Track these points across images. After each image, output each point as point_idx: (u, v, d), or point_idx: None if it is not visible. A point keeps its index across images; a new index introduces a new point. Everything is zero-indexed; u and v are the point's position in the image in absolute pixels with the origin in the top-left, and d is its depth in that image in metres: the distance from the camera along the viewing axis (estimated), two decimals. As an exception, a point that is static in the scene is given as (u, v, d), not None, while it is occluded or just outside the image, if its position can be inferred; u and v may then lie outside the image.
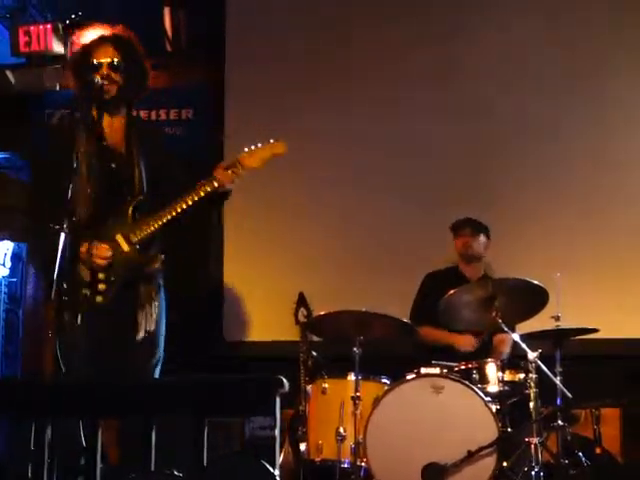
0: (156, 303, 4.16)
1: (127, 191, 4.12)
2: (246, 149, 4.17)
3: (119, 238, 4.07)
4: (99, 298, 4.04)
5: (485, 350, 5.41)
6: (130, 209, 4.11)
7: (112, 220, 4.09)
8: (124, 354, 4.08)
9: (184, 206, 4.07)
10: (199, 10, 6.95)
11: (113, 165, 4.14)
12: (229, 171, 4.12)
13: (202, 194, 4.09)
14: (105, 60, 4.11)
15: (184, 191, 4.09)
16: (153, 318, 4.13)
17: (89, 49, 4.16)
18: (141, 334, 4.09)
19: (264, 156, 4.18)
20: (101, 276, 4.05)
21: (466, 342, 5.39)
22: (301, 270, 6.41)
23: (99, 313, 4.03)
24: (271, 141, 4.19)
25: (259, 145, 4.17)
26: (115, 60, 4.12)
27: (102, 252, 4.03)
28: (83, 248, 4.02)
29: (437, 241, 6.01)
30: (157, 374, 4.15)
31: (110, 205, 4.10)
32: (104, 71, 4.08)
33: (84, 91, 4.13)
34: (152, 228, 4.08)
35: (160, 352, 4.19)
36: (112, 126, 4.19)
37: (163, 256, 4.17)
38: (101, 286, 4.04)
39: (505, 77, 6.51)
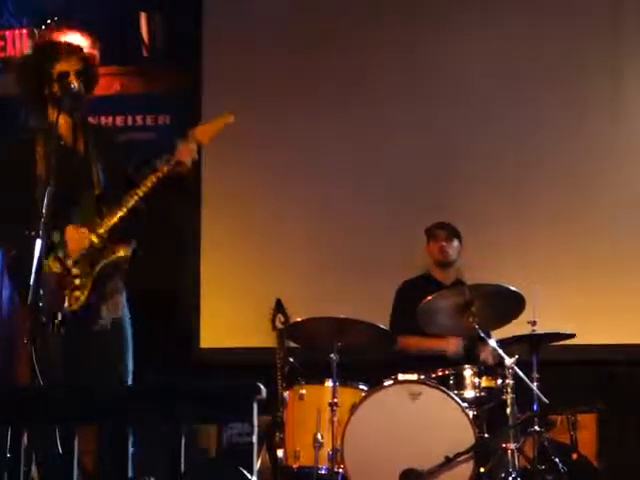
0: (121, 296, 4.11)
1: (87, 187, 4.08)
2: (200, 125, 4.29)
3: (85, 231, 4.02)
4: (77, 293, 3.96)
5: (470, 358, 5.38)
6: (92, 203, 4.06)
7: (75, 216, 4.03)
8: (92, 350, 3.98)
9: (145, 189, 4.03)
10: (176, 15, 6.93)
11: (71, 164, 4.10)
12: (183, 144, 4.17)
13: (161, 174, 4.06)
14: (73, 69, 4.12)
15: (144, 177, 4.07)
16: (119, 311, 4.06)
17: (56, 56, 4.16)
18: (104, 325, 4.01)
19: (215, 129, 4.26)
20: (75, 271, 3.98)
21: (454, 345, 5.38)
22: (279, 276, 6.39)
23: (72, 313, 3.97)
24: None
25: (211, 121, 4.27)
26: (78, 69, 4.14)
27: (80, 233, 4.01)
28: (56, 238, 3.98)
29: (413, 246, 6.02)
30: (130, 368, 4.10)
31: (72, 201, 4.05)
32: (72, 79, 4.09)
33: (42, 93, 4.14)
34: (117, 217, 4.02)
35: (128, 345, 4.12)
36: (65, 127, 4.18)
37: (132, 244, 4.08)
38: (77, 281, 3.97)
39: (476, 83, 6.50)
